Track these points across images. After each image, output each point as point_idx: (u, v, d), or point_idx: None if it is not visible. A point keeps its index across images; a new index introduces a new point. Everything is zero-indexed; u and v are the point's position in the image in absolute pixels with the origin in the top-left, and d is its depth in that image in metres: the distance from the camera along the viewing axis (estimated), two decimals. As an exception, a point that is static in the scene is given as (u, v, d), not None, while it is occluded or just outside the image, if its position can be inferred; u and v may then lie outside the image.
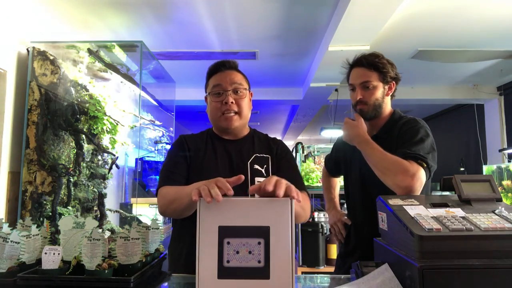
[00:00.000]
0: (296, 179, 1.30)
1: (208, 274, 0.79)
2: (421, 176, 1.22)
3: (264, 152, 1.38)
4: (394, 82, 1.49)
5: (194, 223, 0.81)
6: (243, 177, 0.88)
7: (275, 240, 0.80)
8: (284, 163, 1.38)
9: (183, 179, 1.28)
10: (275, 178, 0.86)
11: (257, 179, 1.29)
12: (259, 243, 0.80)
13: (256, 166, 1.34)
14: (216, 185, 0.84)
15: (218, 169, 1.31)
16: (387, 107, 1.52)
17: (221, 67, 1.37)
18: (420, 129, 1.38)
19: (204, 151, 1.37)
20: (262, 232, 0.81)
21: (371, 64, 1.45)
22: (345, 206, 1.74)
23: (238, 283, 0.79)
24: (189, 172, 1.32)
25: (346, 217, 1.68)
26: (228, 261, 0.80)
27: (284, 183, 0.84)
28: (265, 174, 1.33)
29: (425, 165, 1.25)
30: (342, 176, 1.81)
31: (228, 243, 0.80)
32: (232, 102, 1.31)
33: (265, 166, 1.35)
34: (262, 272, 0.79)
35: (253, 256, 0.80)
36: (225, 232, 0.81)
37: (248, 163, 1.33)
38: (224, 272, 0.79)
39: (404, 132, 1.38)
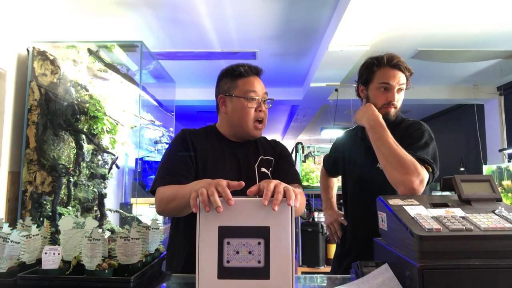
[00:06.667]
0: (293, 174, 1.37)
1: (208, 274, 0.79)
2: (426, 181, 1.22)
3: (268, 155, 1.40)
4: None
5: (194, 223, 0.81)
6: (243, 183, 0.88)
7: (275, 240, 0.80)
8: (283, 160, 1.41)
9: (184, 179, 1.22)
10: (274, 181, 0.86)
11: None
12: (259, 243, 0.80)
13: (263, 169, 1.35)
14: (216, 189, 0.83)
15: (226, 171, 1.30)
16: None
17: (253, 71, 1.35)
18: (424, 132, 1.38)
19: (211, 150, 1.33)
20: (262, 232, 0.81)
21: (406, 68, 1.44)
22: (342, 207, 1.73)
23: (238, 283, 0.79)
24: (193, 171, 1.28)
25: (342, 218, 1.68)
26: (228, 261, 0.80)
27: (282, 188, 0.83)
28: (271, 177, 1.35)
29: (431, 170, 1.26)
30: (340, 176, 1.80)
31: (228, 243, 0.80)
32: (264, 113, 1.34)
33: (270, 168, 1.37)
34: (262, 272, 0.79)
35: (253, 256, 0.80)
36: (225, 232, 0.81)
37: (255, 166, 1.34)
38: (224, 272, 0.79)
39: (409, 134, 1.38)
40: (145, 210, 3.45)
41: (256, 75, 1.36)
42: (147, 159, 3.85)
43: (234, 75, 1.34)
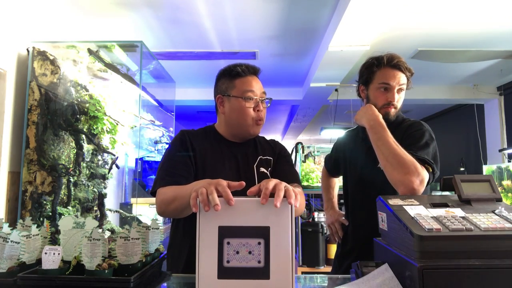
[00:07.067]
0: (293, 174, 1.37)
1: (208, 274, 0.79)
2: (426, 181, 1.22)
3: (268, 155, 1.40)
4: None
5: (194, 223, 0.81)
6: (244, 184, 0.88)
7: (275, 240, 0.80)
8: (282, 160, 1.41)
9: (184, 179, 1.23)
10: (274, 180, 0.86)
11: None
12: (259, 243, 0.80)
13: (262, 169, 1.35)
14: (216, 189, 0.83)
15: (225, 171, 1.30)
16: None
17: (250, 70, 1.35)
18: (425, 132, 1.38)
19: (210, 151, 1.33)
20: (262, 232, 0.81)
21: (407, 69, 1.45)
22: (343, 206, 1.73)
23: (238, 283, 0.79)
24: (192, 171, 1.28)
25: (343, 218, 1.68)
26: (228, 261, 0.80)
27: (283, 186, 0.83)
28: (270, 177, 1.35)
29: (431, 171, 1.26)
30: (341, 176, 1.80)
31: (228, 243, 0.80)
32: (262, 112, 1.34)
33: (269, 168, 1.37)
34: (262, 272, 0.79)
35: (253, 256, 0.80)
36: (225, 232, 0.80)
37: (254, 166, 1.34)
38: (224, 272, 0.79)
39: (409, 135, 1.38)
40: (145, 210, 3.45)
41: (253, 74, 1.36)
42: (147, 159, 3.86)
43: (232, 75, 1.34)
